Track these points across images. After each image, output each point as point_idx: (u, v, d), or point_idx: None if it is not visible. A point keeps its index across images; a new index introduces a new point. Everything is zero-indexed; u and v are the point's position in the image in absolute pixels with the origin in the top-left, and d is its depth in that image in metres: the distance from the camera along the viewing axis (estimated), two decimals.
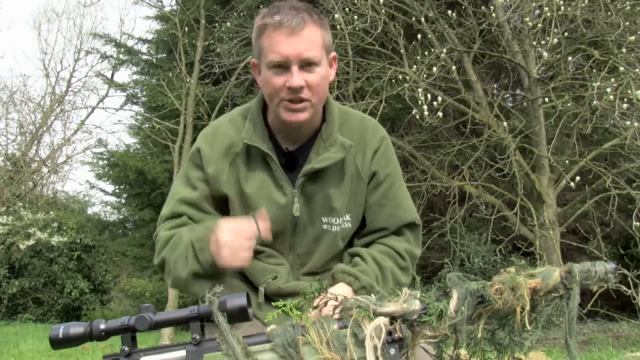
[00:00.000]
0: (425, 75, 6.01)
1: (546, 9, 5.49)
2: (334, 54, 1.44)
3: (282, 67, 1.33)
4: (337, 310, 1.00)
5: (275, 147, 1.44)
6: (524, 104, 7.22)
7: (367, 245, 1.49)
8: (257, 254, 1.45)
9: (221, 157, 1.44)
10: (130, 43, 12.69)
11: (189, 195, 1.44)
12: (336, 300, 1.02)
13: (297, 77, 1.32)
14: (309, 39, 1.33)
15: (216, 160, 1.44)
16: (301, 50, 1.32)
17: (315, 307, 1.09)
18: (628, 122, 5.28)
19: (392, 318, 0.98)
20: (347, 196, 1.44)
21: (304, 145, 1.45)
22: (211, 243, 1.27)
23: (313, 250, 1.46)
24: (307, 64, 1.34)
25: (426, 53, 6.17)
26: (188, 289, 1.35)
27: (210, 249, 1.27)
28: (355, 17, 6.29)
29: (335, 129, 1.44)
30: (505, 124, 5.95)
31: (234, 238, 1.25)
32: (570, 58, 5.91)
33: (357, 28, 6.41)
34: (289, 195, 1.41)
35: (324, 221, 1.44)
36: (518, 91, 8.11)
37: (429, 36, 6.55)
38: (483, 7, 6.35)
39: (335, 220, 1.44)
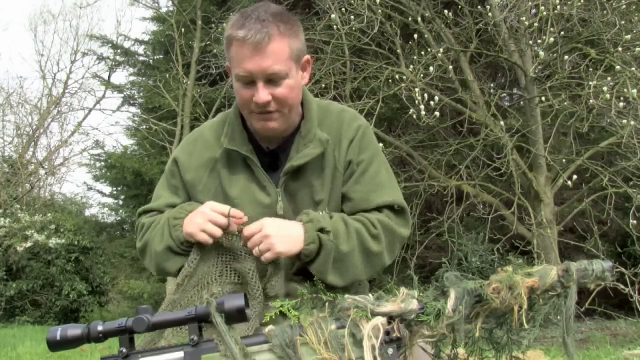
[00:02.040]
0: (422, 75, 6.01)
1: (542, 8, 5.51)
2: (307, 57, 1.42)
3: (249, 81, 1.34)
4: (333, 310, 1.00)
5: (256, 148, 1.46)
6: (521, 103, 7.23)
7: None
8: None
9: (200, 165, 1.48)
10: (126, 44, 12.68)
11: (174, 201, 1.50)
12: (333, 300, 1.02)
13: (262, 93, 1.33)
14: (274, 54, 1.31)
15: (195, 168, 1.48)
16: (265, 67, 1.31)
17: (313, 308, 1.09)
18: (624, 121, 5.29)
19: (390, 318, 0.98)
20: (328, 190, 1.45)
21: (284, 144, 1.46)
22: (185, 219, 1.35)
23: None
24: (273, 79, 1.33)
25: (423, 53, 6.17)
26: (161, 264, 1.40)
27: (184, 225, 1.35)
28: (352, 17, 6.29)
29: (313, 125, 1.45)
30: (502, 123, 5.96)
31: (208, 211, 1.32)
32: (566, 57, 5.92)
33: (353, 28, 6.41)
34: (272, 195, 1.43)
35: None
36: (515, 90, 8.12)
37: (426, 36, 6.55)
38: (479, 7, 6.36)
39: (319, 214, 1.44)
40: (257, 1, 8.67)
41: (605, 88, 5.22)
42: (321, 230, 1.32)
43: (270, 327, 0.99)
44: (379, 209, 1.43)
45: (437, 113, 5.67)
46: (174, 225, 1.36)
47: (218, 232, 1.30)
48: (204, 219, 1.31)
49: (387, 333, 0.96)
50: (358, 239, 1.36)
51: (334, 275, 1.33)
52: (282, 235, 1.28)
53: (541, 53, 5.60)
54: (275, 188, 1.43)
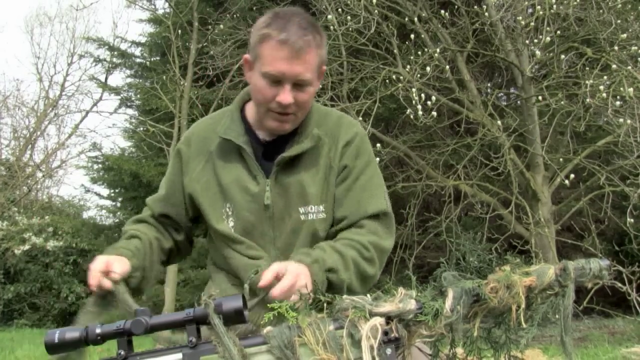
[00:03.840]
0: (418, 75, 6.02)
1: (538, 7, 5.52)
2: (324, 67, 1.49)
3: (277, 80, 1.38)
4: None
5: (253, 139, 1.51)
6: (518, 102, 7.24)
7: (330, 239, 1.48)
8: (236, 244, 1.47)
9: (196, 154, 1.54)
10: (123, 46, 12.66)
11: (160, 195, 1.60)
12: (331, 301, 1.02)
13: (288, 95, 1.38)
14: (307, 62, 1.37)
15: (194, 157, 1.54)
16: (298, 73, 1.36)
17: (311, 309, 1.09)
18: (621, 120, 5.31)
19: (388, 318, 0.98)
20: (321, 186, 1.47)
21: (281, 138, 1.50)
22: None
23: (293, 243, 1.46)
24: (300, 84, 1.39)
25: (419, 53, 6.18)
26: None
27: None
28: (349, 17, 6.29)
29: (311, 124, 1.50)
30: (499, 122, 5.97)
31: (95, 266, 1.37)
32: (563, 56, 5.94)
33: (350, 29, 6.42)
34: (261, 184, 1.46)
35: (300, 212, 1.46)
36: (512, 90, 8.14)
37: (422, 36, 6.56)
38: (476, 7, 6.37)
39: (311, 209, 1.46)
40: (253, 3, 8.68)
41: (601, 87, 5.24)
42: (329, 270, 1.32)
43: (269, 328, 0.99)
44: (367, 217, 1.45)
45: (434, 113, 5.68)
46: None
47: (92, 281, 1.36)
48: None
49: (385, 333, 0.96)
50: (356, 268, 1.37)
51: None
52: (304, 272, 1.26)
53: (538, 52, 5.61)
54: (265, 178, 1.46)
